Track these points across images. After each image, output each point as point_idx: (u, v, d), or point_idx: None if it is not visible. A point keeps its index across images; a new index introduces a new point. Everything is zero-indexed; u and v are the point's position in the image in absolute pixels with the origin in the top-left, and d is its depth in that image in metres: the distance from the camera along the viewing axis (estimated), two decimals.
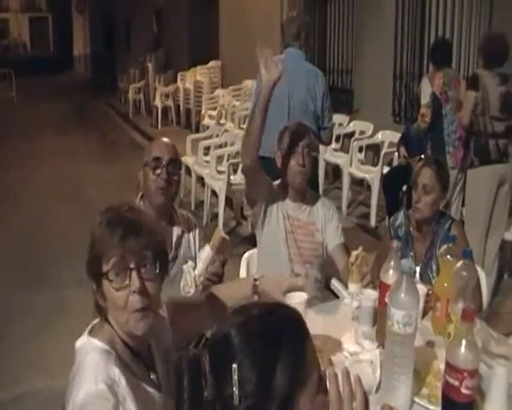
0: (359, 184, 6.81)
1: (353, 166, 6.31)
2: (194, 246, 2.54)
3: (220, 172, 6.37)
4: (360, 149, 6.60)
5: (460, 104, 4.33)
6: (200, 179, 6.77)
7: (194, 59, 12.80)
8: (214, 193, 6.26)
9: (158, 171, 2.35)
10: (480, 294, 2.52)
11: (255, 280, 1.86)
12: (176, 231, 2.46)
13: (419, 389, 1.75)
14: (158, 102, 12.36)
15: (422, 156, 4.02)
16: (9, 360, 3.87)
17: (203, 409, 1.03)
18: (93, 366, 1.38)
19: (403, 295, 1.60)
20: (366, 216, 6.11)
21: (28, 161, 9.68)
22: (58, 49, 32.74)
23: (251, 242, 3.22)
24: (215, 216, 6.18)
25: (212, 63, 12.05)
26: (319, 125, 3.96)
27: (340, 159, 6.62)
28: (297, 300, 1.84)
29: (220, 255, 2.13)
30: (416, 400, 1.70)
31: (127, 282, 1.39)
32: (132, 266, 1.39)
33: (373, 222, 5.87)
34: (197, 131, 10.17)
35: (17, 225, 6.53)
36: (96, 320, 1.53)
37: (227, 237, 2.14)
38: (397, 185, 5.10)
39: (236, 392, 1.00)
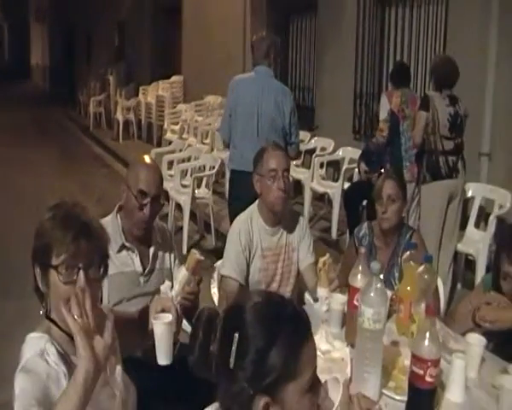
0: (320, 199, 7.00)
1: (315, 181, 6.48)
2: (169, 264, 2.62)
3: (184, 186, 6.47)
4: (321, 165, 6.79)
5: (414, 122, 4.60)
6: (164, 193, 6.85)
7: (155, 73, 12.88)
8: (178, 206, 6.34)
9: (143, 204, 2.39)
10: (438, 299, 2.72)
11: None
12: (152, 248, 2.53)
13: (386, 382, 1.91)
14: (119, 116, 12.38)
15: (382, 170, 4.23)
16: None
17: (208, 360, 1.18)
18: (27, 351, 1.51)
19: (372, 295, 1.77)
20: (327, 230, 6.28)
21: None
22: (14, 58, 32.18)
23: (215, 254, 3.28)
24: (179, 229, 6.25)
25: (174, 78, 12.16)
26: (287, 140, 4.12)
27: (301, 174, 6.79)
28: (163, 320, 1.80)
29: (196, 276, 2.17)
30: (384, 391, 1.85)
31: (74, 278, 1.50)
32: (81, 265, 1.50)
33: (334, 235, 6.05)
34: (159, 145, 10.24)
35: None
36: None
37: (202, 258, 2.19)
38: (357, 200, 5.32)
39: (232, 359, 1.13)
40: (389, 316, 2.37)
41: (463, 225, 4.85)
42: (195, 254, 2.16)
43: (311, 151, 7.12)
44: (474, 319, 2.21)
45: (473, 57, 5.17)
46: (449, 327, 2.34)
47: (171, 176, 6.74)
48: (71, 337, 1.46)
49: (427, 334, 1.66)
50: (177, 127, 9.98)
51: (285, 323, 1.20)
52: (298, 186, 6.94)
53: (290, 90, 4.26)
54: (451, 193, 4.45)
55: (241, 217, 2.87)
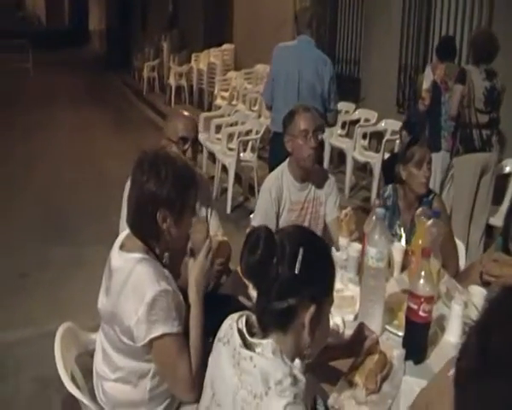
0: (362, 170, 7.16)
1: (357, 151, 6.65)
2: (206, 213, 2.85)
3: (231, 149, 6.73)
4: (364, 136, 6.95)
5: None
6: (211, 155, 7.13)
7: (208, 41, 13.10)
8: (224, 169, 6.61)
9: (185, 149, 2.65)
10: (457, 260, 2.90)
11: None
12: None
13: (391, 320, 2.14)
14: (172, 81, 12.69)
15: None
16: (24, 304, 4.24)
17: (271, 266, 1.42)
18: (146, 271, 1.80)
19: (376, 236, 1.99)
20: (367, 200, 6.44)
21: (44, 132, 10.03)
22: (73, 23, 32.85)
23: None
24: (224, 191, 6.53)
25: (225, 46, 12.36)
26: (326, 107, 4.31)
27: (344, 144, 6.95)
28: None
29: (220, 257, 2.35)
30: (387, 327, 2.09)
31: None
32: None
33: None
34: (209, 110, 10.50)
35: (36, 190, 6.94)
36: (122, 236, 1.93)
37: (225, 238, 2.44)
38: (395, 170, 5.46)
39: (299, 265, 1.40)
40: (404, 268, 2.59)
41: (499, 200, 4.93)
42: (217, 237, 2.37)
43: (355, 122, 7.26)
44: (481, 277, 2.39)
45: None
46: (460, 284, 2.52)
47: (218, 139, 7.01)
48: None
49: (422, 273, 1.88)
50: (226, 94, 10.21)
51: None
52: (341, 156, 7.11)
53: (330, 60, 4.42)
54: (484, 166, 4.52)
55: (273, 174, 3.12)
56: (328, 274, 1.50)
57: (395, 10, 7.05)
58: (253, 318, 1.50)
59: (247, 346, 1.42)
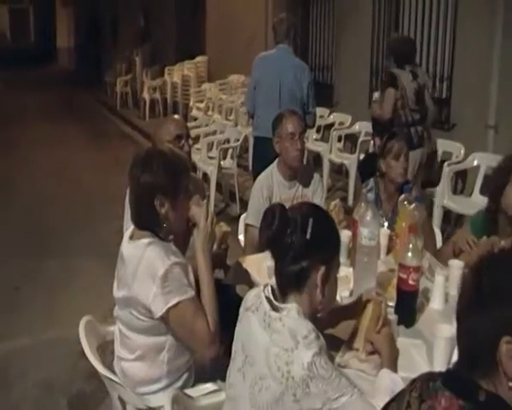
0: (338, 172, 7.44)
1: (333, 153, 6.91)
2: None
3: (211, 158, 6.93)
4: (339, 139, 7.24)
5: None
6: (191, 165, 7.29)
7: (181, 54, 13.30)
8: (205, 177, 6.80)
9: (182, 145, 2.88)
10: (435, 242, 3.15)
11: None
12: None
13: (383, 294, 2.35)
14: (146, 95, 12.85)
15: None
16: (21, 315, 4.35)
17: (286, 235, 1.65)
18: (156, 252, 2.01)
19: (368, 218, 2.23)
20: (344, 199, 6.67)
21: (21, 149, 10.11)
22: (40, 40, 32.74)
23: (239, 220, 3.75)
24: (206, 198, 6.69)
25: (198, 58, 12.59)
26: (305, 110, 4.58)
27: (320, 147, 7.23)
28: None
29: (223, 245, 2.59)
30: None
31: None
32: None
33: (351, 203, 6.45)
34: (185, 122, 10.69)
35: (17, 205, 7.02)
36: (130, 230, 2.15)
37: (229, 229, 2.64)
38: (370, 169, 5.73)
39: (310, 231, 1.64)
40: (389, 251, 2.82)
41: (470, 192, 5.26)
42: (222, 227, 2.57)
43: (330, 126, 7.54)
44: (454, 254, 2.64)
45: (480, 33, 5.51)
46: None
47: (198, 149, 7.20)
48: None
49: (410, 246, 2.12)
50: (202, 105, 10.43)
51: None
52: (317, 159, 7.37)
53: (308, 67, 4.71)
54: (418, 161, 4.99)
55: (263, 174, 3.36)
56: (335, 239, 1.76)
57: (365, 16, 7.37)
58: (276, 287, 1.73)
59: (275, 309, 1.65)
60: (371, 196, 2.24)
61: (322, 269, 1.65)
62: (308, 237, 1.63)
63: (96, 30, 21.31)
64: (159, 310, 1.96)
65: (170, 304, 1.95)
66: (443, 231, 5.13)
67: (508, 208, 2.60)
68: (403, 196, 2.77)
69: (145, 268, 1.99)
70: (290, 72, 4.56)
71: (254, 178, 4.36)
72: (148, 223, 2.09)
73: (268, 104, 4.55)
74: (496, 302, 1.17)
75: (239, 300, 1.83)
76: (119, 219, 2.83)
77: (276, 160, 3.37)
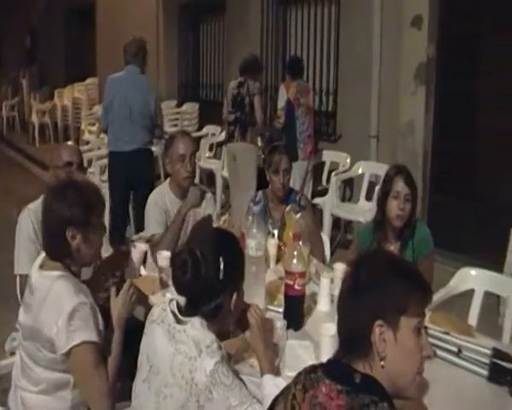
0: None
1: (225, 169, 7.01)
2: None
3: (103, 181, 6.80)
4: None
5: (309, 109, 5.41)
6: None
7: (70, 76, 13.01)
8: None
9: (72, 171, 2.88)
10: (323, 249, 3.30)
11: None
12: None
13: (272, 301, 2.46)
14: (34, 119, 12.40)
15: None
16: None
17: (201, 280, 1.73)
18: (65, 287, 1.97)
19: (254, 230, 2.31)
20: None
21: None
22: None
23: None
24: None
25: (89, 80, 12.35)
26: (154, 123, 4.93)
27: (213, 165, 7.35)
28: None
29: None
30: (269, 307, 2.40)
31: None
32: None
33: None
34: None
35: None
36: (41, 258, 2.10)
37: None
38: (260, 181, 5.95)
39: (222, 270, 1.73)
40: (279, 260, 2.93)
41: (356, 199, 5.55)
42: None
43: (221, 143, 7.64)
44: None
45: (361, 51, 5.87)
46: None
47: (91, 173, 7.04)
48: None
49: (295, 253, 2.22)
50: (94, 128, 10.21)
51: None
52: (210, 176, 7.47)
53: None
54: (232, 153, 5.79)
55: (155, 191, 3.39)
56: (242, 264, 1.88)
57: (254, 35, 7.59)
58: (182, 302, 1.80)
59: (179, 322, 1.73)
60: (257, 208, 2.33)
61: (235, 296, 1.78)
62: (221, 277, 1.73)
63: None
64: (62, 346, 1.91)
65: (74, 343, 1.91)
66: (333, 238, 5.44)
67: (391, 217, 2.77)
68: (289, 206, 2.89)
69: (52, 301, 1.95)
70: (138, 90, 4.85)
71: (110, 188, 5.01)
72: (59, 254, 2.06)
73: (119, 122, 4.91)
74: (370, 291, 1.35)
75: (137, 323, 1.86)
76: (6, 251, 2.74)
77: (168, 179, 3.41)
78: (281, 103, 5.70)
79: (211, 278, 1.73)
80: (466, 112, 5.09)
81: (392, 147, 5.60)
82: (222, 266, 1.73)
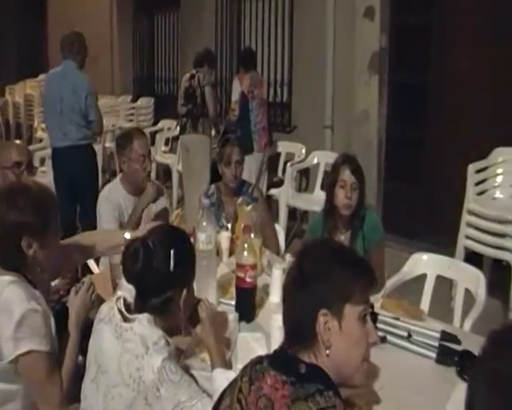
0: None
1: (180, 164, 6.95)
2: None
3: None
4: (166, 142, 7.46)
5: (262, 101, 5.49)
6: None
7: (22, 72, 12.66)
8: None
9: (21, 172, 2.81)
10: (277, 240, 3.31)
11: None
12: None
13: (225, 295, 2.45)
14: None
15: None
16: None
17: (152, 270, 1.72)
18: (16, 293, 1.88)
19: (204, 223, 2.29)
20: None
21: None
22: None
23: None
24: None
25: (42, 76, 12.01)
26: (87, 119, 4.82)
27: (169, 159, 7.28)
28: None
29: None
30: (222, 300, 2.40)
31: None
32: None
33: None
34: (29, 144, 10.19)
35: None
36: None
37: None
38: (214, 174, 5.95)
39: (172, 263, 1.71)
40: (232, 253, 2.92)
41: (312, 189, 5.58)
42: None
43: (177, 137, 7.56)
44: None
45: (314, 41, 5.90)
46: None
47: (43, 172, 6.89)
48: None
49: (245, 245, 2.21)
50: None
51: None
52: (167, 171, 7.41)
53: (88, 77, 4.91)
54: (184, 145, 5.90)
55: (105, 189, 3.38)
56: (193, 261, 1.86)
57: (208, 29, 7.55)
58: (129, 300, 1.78)
59: (126, 320, 1.71)
60: (207, 202, 2.31)
61: (184, 292, 1.76)
62: (171, 269, 1.72)
63: None
64: (8, 354, 1.85)
65: (19, 351, 1.84)
66: (290, 229, 5.47)
67: (339, 207, 2.79)
68: (240, 198, 2.88)
69: (2, 306, 1.87)
70: (69, 85, 4.75)
71: (55, 186, 4.68)
72: (14, 264, 1.96)
73: (53, 118, 4.86)
74: (314, 281, 1.36)
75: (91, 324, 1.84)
76: None
77: (120, 175, 3.36)
78: (235, 96, 5.69)
79: (161, 269, 1.72)
80: (417, 101, 5.16)
81: (346, 136, 5.65)
82: (173, 259, 1.72)
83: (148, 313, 1.72)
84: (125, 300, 1.79)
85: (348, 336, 1.35)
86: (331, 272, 1.36)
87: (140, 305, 1.74)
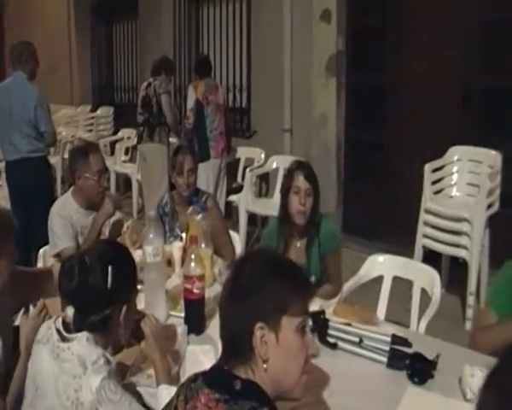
0: None
1: (139, 173, 6.86)
2: None
3: None
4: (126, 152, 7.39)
5: (218, 106, 5.46)
6: None
7: None
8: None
9: None
10: (232, 248, 3.27)
11: None
12: None
13: (175, 307, 2.40)
14: None
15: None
16: None
17: (87, 288, 1.67)
18: None
19: (151, 235, 2.25)
20: None
21: None
22: None
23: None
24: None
25: None
26: (38, 130, 4.69)
27: (129, 169, 7.17)
28: None
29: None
30: (172, 313, 2.35)
31: None
32: None
33: None
34: None
35: None
36: None
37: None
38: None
39: (110, 280, 1.66)
40: (183, 262, 2.86)
41: (272, 194, 5.58)
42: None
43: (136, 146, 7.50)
44: None
45: (271, 47, 5.91)
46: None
47: None
48: None
49: (192, 256, 2.17)
50: None
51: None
52: (127, 179, 7.32)
53: (37, 88, 4.77)
54: (143, 154, 5.89)
55: (56, 203, 3.28)
56: (133, 276, 1.82)
57: (167, 36, 7.51)
58: (68, 318, 1.71)
59: (64, 340, 1.66)
60: (153, 213, 2.26)
61: (124, 309, 1.71)
62: (109, 286, 1.67)
63: None
64: None
65: None
66: (251, 234, 5.44)
67: (293, 213, 2.76)
68: (190, 208, 2.84)
69: None
70: (19, 97, 4.65)
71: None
72: None
73: (4, 131, 4.74)
74: (250, 294, 1.31)
75: None
76: None
77: (71, 189, 3.27)
78: (190, 104, 5.65)
79: (98, 286, 1.67)
80: (375, 102, 5.20)
81: (305, 140, 5.65)
82: (110, 276, 1.67)
83: (87, 331, 1.67)
84: (63, 319, 1.73)
85: (286, 349, 1.31)
86: (267, 284, 1.32)
87: (78, 323, 1.69)
